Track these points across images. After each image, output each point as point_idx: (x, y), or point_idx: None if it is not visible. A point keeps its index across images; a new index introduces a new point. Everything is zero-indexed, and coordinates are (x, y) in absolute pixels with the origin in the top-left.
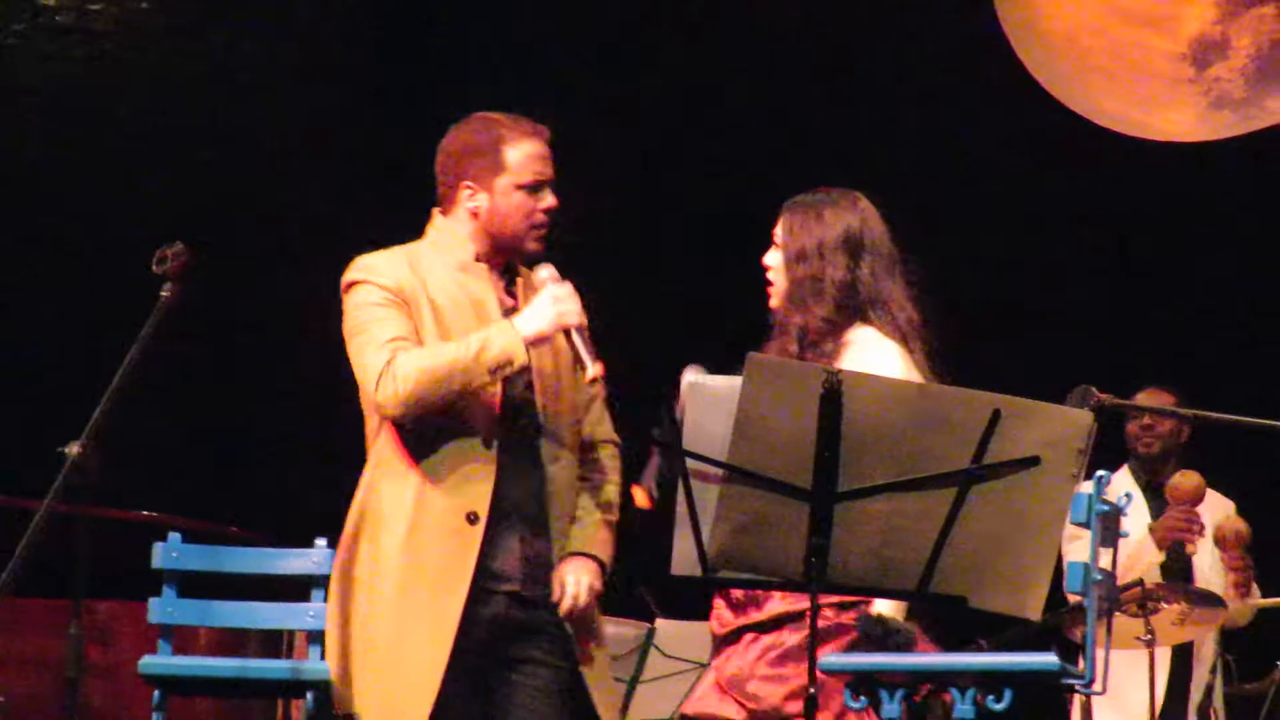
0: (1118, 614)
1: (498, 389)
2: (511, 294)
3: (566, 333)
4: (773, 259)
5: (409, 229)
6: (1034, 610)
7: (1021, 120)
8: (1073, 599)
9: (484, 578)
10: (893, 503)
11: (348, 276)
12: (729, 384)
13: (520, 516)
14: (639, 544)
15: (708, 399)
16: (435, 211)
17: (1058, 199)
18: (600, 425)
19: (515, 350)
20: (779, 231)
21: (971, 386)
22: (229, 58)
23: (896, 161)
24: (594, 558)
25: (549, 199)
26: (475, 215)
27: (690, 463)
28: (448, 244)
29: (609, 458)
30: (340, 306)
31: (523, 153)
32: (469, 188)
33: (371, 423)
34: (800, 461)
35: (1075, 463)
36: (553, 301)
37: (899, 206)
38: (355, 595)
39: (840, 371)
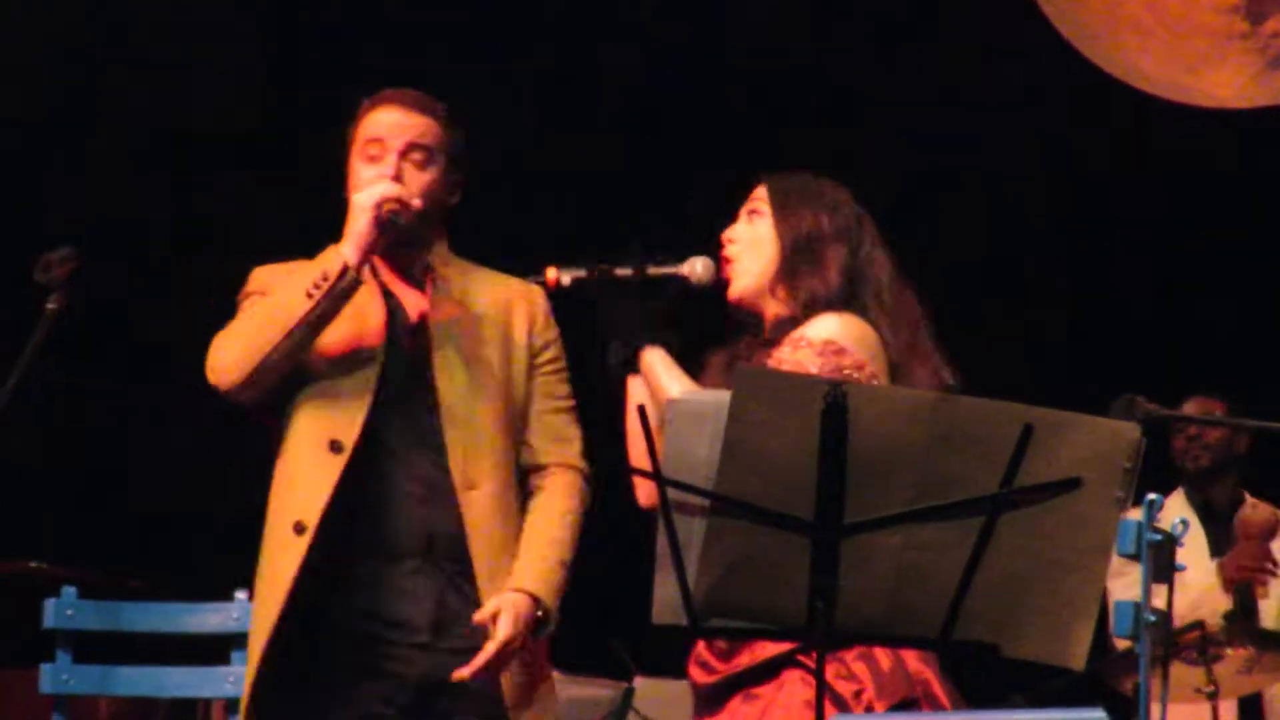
0: (1174, 661)
1: (366, 389)
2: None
3: (388, 217)
4: (744, 232)
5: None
6: (1076, 658)
7: (1043, 81)
8: (1121, 644)
9: (387, 628)
10: (909, 536)
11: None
12: (715, 399)
13: (439, 555)
14: (611, 586)
15: (690, 417)
16: None
17: (1091, 176)
18: (554, 446)
19: (330, 260)
20: (761, 202)
21: (998, 398)
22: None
23: (889, 129)
24: (529, 594)
25: (385, 168)
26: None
27: (671, 493)
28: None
29: (565, 485)
30: None
31: (370, 121)
32: (348, 171)
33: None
34: (800, 489)
35: (1121, 484)
36: (357, 199)
37: (889, 182)
38: None
39: (845, 384)
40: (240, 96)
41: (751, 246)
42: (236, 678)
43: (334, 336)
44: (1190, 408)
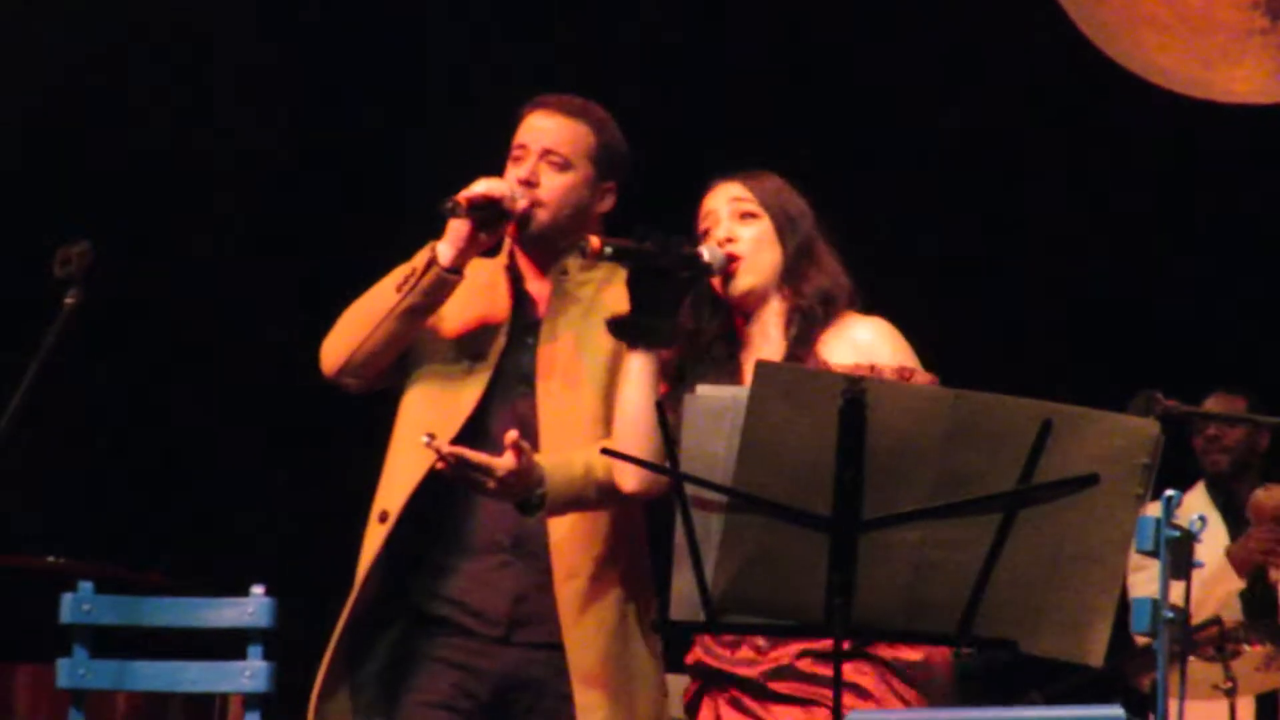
0: (1192, 658)
1: (477, 383)
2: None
3: (448, 208)
4: (745, 231)
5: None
6: (1095, 655)
7: (1062, 76)
8: (1139, 641)
9: (470, 617)
10: (927, 532)
11: None
12: (733, 395)
13: (528, 551)
14: None
15: (708, 413)
16: None
17: (1108, 168)
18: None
19: (421, 255)
20: (749, 203)
21: (1015, 394)
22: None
23: (912, 122)
24: (540, 468)
25: (523, 170)
26: None
27: (689, 489)
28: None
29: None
30: None
31: (520, 125)
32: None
33: None
34: (818, 485)
35: (1140, 481)
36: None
37: (909, 173)
38: None
39: (863, 379)
40: (242, 97)
41: (758, 246)
42: (253, 673)
43: (456, 328)
44: (1212, 404)
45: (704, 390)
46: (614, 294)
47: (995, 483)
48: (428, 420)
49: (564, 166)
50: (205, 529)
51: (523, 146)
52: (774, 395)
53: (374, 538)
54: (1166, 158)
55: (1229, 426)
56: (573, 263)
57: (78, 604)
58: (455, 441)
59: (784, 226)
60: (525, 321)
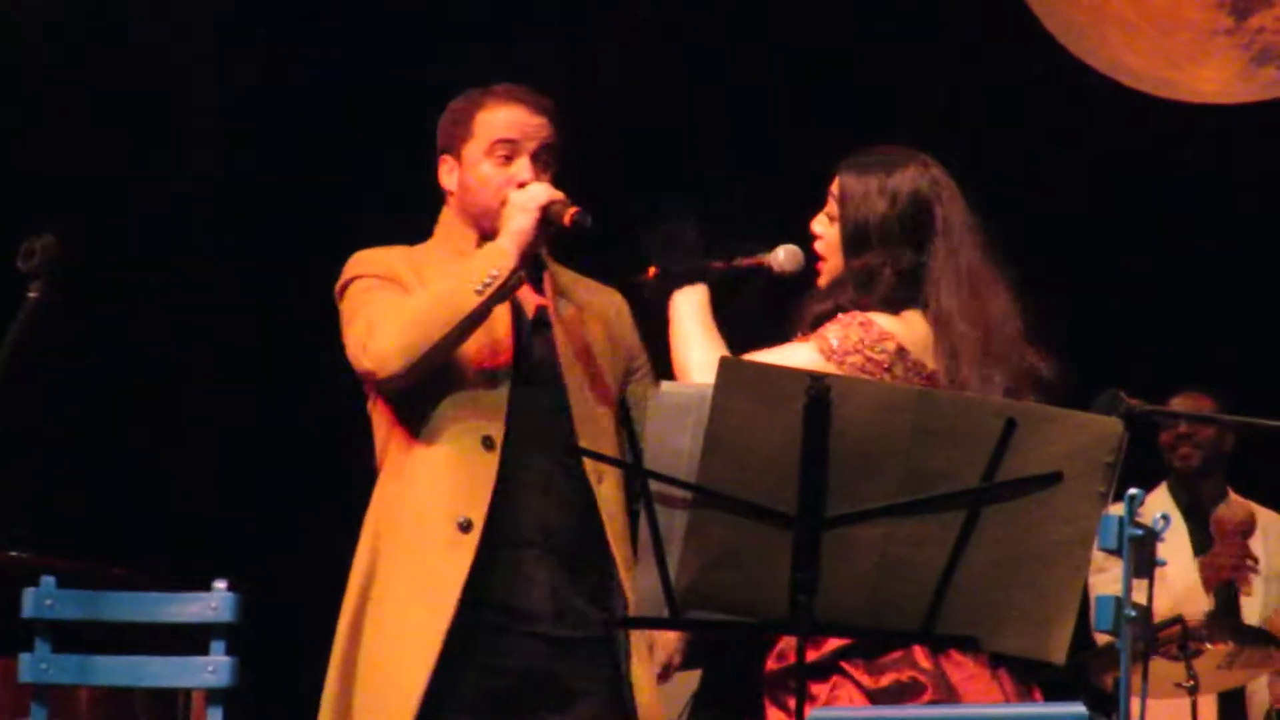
0: (1155, 656)
1: (503, 384)
2: (539, 290)
3: (578, 219)
4: (824, 229)
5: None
6: (1057, 652)
7: (1030, 76)
8: (1102, 639)
9: (513, 619)
10: (890, 529)
11: (340, 281)
12: (698, 391)
13: (555, 544)
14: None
15: (673, 409)
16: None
17: (1073, 167)
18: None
19: (499, 260)
20: (834, 195)
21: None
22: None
23: (885, 118)
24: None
25: (524, 172)
26: (451, 194)
27: (653, 485)
28: (448, 234)
29: None
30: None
31: (496, 116)
32: (445, 162)
33: (380, 431)
34: (782, 482)
35: (1103, 479)
36: (517, 199)
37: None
38: (363, 609)
39: (828, 377)
40: (229, 96)
41: (829, 251)
42: (216, 668)
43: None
44: (1179, 403)
45: (668, 386)
46: (580, 284)
47: (959, 480)
48: (473, 423)
49: (549, 164)
50: (168, 523)
51: (512, 143)
52: (738, 391)
53: (460, 547)
54: (1128, 156)
55: (1197, 423)
56: (549, 258)
57: (40, 598)
58: (507, 437)
59: (851, 240)
60: (525, 321)
